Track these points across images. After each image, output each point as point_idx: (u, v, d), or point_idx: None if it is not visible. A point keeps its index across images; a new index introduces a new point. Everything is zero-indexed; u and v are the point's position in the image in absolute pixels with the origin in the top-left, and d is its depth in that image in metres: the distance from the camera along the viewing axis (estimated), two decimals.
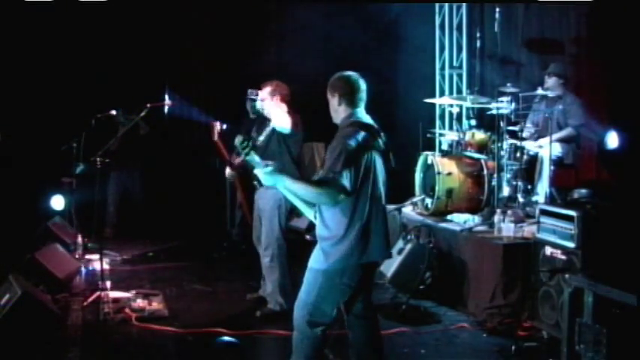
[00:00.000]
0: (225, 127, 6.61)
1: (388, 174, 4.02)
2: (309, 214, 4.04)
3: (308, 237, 4.46)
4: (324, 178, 3.75)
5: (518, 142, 6.79)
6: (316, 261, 3.91)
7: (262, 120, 5.97)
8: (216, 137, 6.52)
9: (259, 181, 3.91)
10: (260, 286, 6.18)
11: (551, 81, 7.01)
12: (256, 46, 9.97)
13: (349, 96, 4.00)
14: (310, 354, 3.94)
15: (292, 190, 3.82)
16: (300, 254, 8.50)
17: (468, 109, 8.63)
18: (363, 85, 4.04)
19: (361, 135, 3.86)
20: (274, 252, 5.80)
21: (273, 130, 5.81)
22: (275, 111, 5.79)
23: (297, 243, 8.91)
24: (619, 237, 4.77)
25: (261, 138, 5.93)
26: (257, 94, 5.97)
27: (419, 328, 5.60)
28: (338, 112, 4.03)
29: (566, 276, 4.49)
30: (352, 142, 3.79)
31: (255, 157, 3.80)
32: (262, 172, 3.78)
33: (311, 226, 4.13)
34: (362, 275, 3.92)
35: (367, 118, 4.02)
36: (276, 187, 3.85)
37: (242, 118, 7.28)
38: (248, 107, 6.73)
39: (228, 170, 6.45)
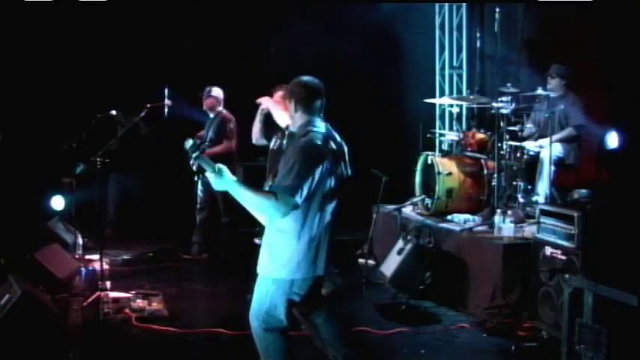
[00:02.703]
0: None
1: (344, 183, 3.85)
2: (260, 217, 3.93)
3: (257, 241, 4.42)
4: (275, 189, 3.58)
5: (518, 142, 6.79)
6: (266, 269, 3.80)
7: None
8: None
9: (199, 175, 3.72)
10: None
11: (554, 82, 7.01)
12: (256, 46, 9.97)
13: (306, 102, 3.80)
14: (281, 356, 3.91)
15: (241, 197, 3.63)
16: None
17: (468, 109, 8.64)
18: (321, 91, 3.84)
19: (317, 147, 3.67)
20: None
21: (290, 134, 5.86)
22: (275, 111, 5.90)
23: None
24: (619, 237, 4.77)
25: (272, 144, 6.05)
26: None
27: (419, 328, 5.60)
28: (294, 118, 3.85)
29: (566, 276, 4.49)
30: (306, 154, 3.62)
31: (205, 160, 3.60)
32: (212, 175, 3.61)
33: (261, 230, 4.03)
34: (311, 286, 3.81)
35: (324, 127, 3.81)
36: (227, 190, 3.67)
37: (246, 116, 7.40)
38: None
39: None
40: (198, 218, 8.13)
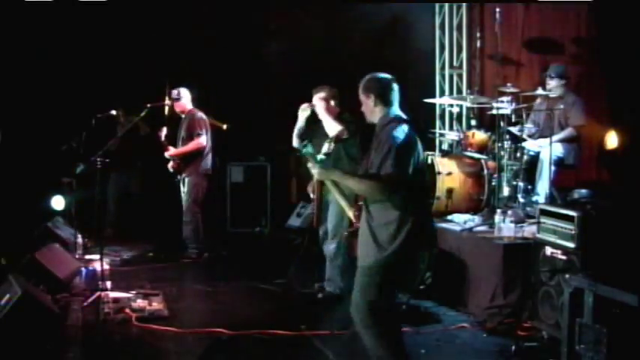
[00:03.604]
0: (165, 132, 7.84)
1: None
2: (349, 210, 4.19)
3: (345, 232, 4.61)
4: (376, 172, 3.85)
5: (518, 142, 6.79)
6: (369, 256, 3.93)
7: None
8: (162, 138, 7.80)
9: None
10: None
11: (553, 82, 7.01)
12: (256, 46, 9.97)
13: (385, 96, 4.09)
14: (392, 339, 3.99)
15: (346, 183, 4.00)
16: (297, 252, 8.55)
17: (468, 109, 8.64)
18: (396, 84, 4.15)
19: (405, 129, 3.96)
20: (341, 240, 6.10)
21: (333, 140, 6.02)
22: (325, 119, 6.07)
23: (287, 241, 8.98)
24: (619, 237, 4.77)
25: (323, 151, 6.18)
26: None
27: (419, 328, 5.59)
28: (375, 112, 4.12)
29: (566, 276, 4.48)
30: (399, 137, 3.89)
31: (310, 150, 4.11)
32: (316, 165, 4.01)
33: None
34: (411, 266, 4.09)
35: (404, 116, 4.10)
36: (326, 180, 4.08)
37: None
38: None
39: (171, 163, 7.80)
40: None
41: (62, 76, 9.05)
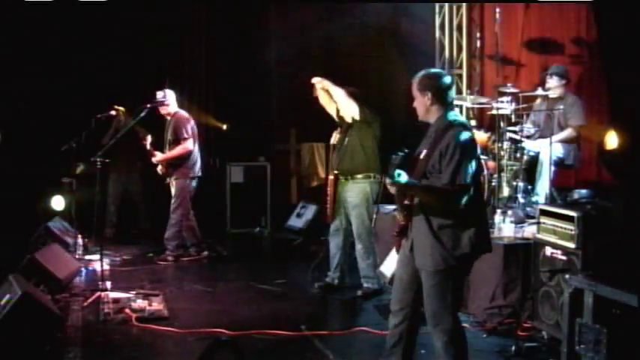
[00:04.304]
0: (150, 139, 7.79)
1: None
2: (399, 213, 4.09)
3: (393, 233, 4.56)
4: (450, 182, 3.79)
5: (518, 143, 6.79)
6: (437, 260, 3.88)
7: None
8: (148, 146, 7.75)
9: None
10: (327, 276, 6.66)
11: (552, 81, 7.00)
12: (256, 46, 9.97)
13: (443, 95, 3.97)
14: (463, 349, 4.03)
15: (421, 194, 3.88)
16: (297, 253, 8.56)
17: (468, 109, 8.64)
18: (453, 82, 4.08)
19: (470, 135, 3.90)
20: (367, 239, 6.35)
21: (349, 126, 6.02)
22: (339, 97, 6.12)
23: (287, 241, 8.98)
24: (619, 237, 4.76)
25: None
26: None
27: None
28: (430, 111, 4.01)
29: (567, 276, 4.49)
30: (467, 145, 3.83)
31: (397, 169, 3.87)
32: (395, 181, 3.79)
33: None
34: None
35: (461, 117, 4.07)
36: (398, 191, 3.92)
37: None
38: None
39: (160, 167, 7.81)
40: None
41: (62, 76, 9.05)
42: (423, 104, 4.01)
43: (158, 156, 7.80)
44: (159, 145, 7.96)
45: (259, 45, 10.02)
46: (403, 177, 3.78)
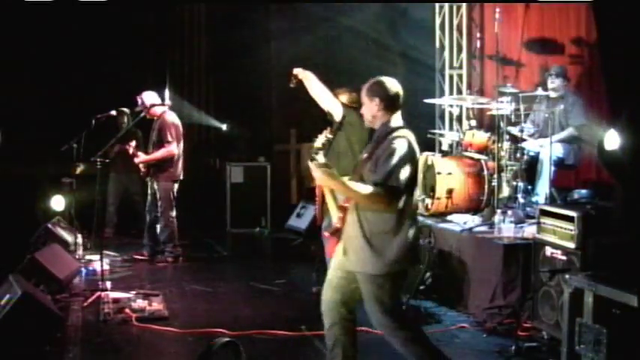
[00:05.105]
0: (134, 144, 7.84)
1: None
2: (335, 215, 4.13)
3: (326, 234, 4.54)
4: (380, 183, 3.82)
5: (518, 143, 6.79)
6: (368, 264, 3.94)
7: None
8: (131, 150, 7.76)
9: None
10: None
11: (558, 81, 7.01)
12: (256, 47, 9.98)
13: (390, 102, 4.04)
14: (426, 340, 4.04)
15: (346, 194, 3.92)
16: (297, 253, 8.55)
17: (467, 109, 8.64)
18: (401, 90, 4.09)
19: (409, 141, 3.93)
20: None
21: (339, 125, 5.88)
22: (322, 95, 5.84)
23: (287, 241, 8.98)
24: (619, 237, 4.76)
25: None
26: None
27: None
28: (377, 117, 4.06)
29: (566, 276, 4.48)
30: (404, 150, 3.87)
31: (321, 156, 4.00)
32: (319, 169, 3.88)
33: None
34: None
35: (404, 125, 4.08)
36: (324, 185, 3.98)
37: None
38: None
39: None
40: (149, 219, 8.03)
41: (62, 76, 9.05)
42: (370, 110, 4.08)
43: (141, 157, 7.78)
44: (145, 145, 7.98)
45: (259, 45, 10.03)
46: (333, 170, 3.87)
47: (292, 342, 5.27)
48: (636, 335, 3.86)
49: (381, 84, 4.07)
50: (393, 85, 4.08)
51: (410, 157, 3.89)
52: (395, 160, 3.83)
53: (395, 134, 3.95)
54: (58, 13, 8.39)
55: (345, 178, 3.96)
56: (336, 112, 5.85)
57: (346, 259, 4.04)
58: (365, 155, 4.07)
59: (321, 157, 3.98)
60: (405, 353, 4.02)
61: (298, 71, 5.85)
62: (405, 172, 3.84)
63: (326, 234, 4.27)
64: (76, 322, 5.67)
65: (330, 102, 5.83)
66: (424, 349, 4.00)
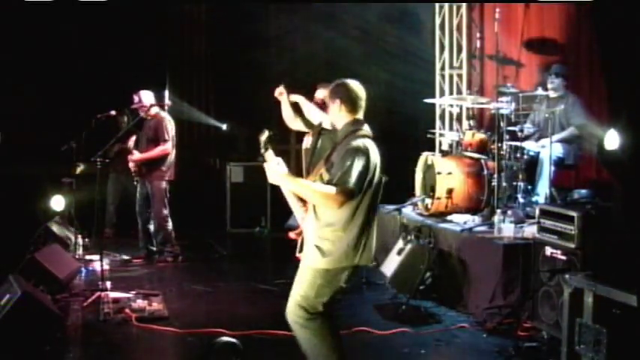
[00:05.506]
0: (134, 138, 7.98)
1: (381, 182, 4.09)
2: (298, 213, 4.11)
3: (292, 235, 4.51)
4: (334, 183, 3.82)
5: (518, 142, 6.79)
6: (314, 260, 3.95)
7: None
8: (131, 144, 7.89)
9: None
10: None
11: (557, 81, 7.01)
12: (256, 47, 9.97)
13: (351, 103, 4.06)
14: (331, 336, 4.02)
15: (300, 189, 3.91)
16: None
17: (467, 109, 8.64)
18: (364, 92, 4.11)
19: (367, 142, 3.94)
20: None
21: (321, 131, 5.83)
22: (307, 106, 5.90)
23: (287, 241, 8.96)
24: (619, 237, 4.76)
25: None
26: None
27: (419, 328, 5.60)
28: (338, 118, 4.09)
29: (566, 276, 4.48)
30: (361, 154, 3.87)
31: (270, 153, 3.93)
32: (271, 169, 3.86)
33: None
34: (352, 276, 4.02)
35: (368, 128, 4.06)
36: (276, 183, 3.92)
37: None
38: None
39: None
40: (141, 222, 8.00)
41: (62, 76, 9.05)
42: (332, 111, 4.12)
43: (135, 155, 7.77)
44: (136, 144, 7.99)
45: (259, 45, 10.02)
46: (284, 167, 3.86)
47: (292, 342, 5.26)
48: (636, 335, 3.86)
49: (342, 86, 4.11)
50: (355, 87, 4.10)
51: (367, 159, 3.88)
52: (349, 160, 3.83)
53: (353, 136, 3.97)
54: (58, 13, 8.39)
55: (301, 178, 3.99)
56: (324, 122, 5.85)
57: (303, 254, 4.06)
58: (325, 155, 4.10)
59: (270, 155, 3.93)
60: (307, 352, 4.02)
61: (280, 91, 5.80)
62: (357, 173, 3.83)
63: (292, 235, 4.24)
64: (76, 322, 5.67)
65: (322, 116, 5.78)
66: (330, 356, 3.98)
